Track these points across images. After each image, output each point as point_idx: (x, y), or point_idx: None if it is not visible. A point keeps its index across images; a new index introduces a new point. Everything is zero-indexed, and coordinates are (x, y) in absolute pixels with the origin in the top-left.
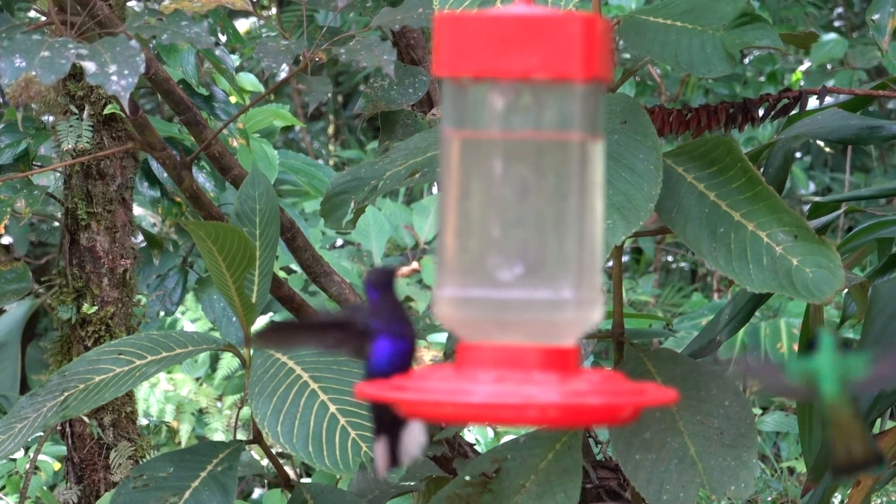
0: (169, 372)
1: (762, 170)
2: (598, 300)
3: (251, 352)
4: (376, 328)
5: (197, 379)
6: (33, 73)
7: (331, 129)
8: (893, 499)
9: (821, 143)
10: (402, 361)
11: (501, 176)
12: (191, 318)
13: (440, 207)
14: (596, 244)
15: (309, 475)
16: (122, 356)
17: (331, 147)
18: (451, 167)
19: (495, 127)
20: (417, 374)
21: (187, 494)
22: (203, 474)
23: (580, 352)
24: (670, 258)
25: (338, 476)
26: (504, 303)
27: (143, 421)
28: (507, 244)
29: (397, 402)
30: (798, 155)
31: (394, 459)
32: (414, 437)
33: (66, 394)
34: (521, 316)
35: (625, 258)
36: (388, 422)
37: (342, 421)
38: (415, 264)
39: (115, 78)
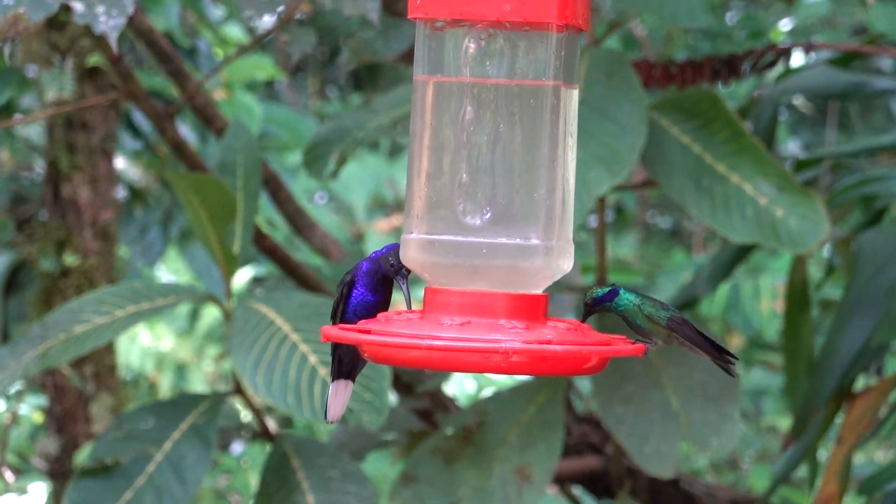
0: (150, 326)
1: (752, 127)
2: (567, 249)
3: (233, 303)
4: (356, 280)
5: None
6: (21, 9)
7: (314, 85)
8: (874, 457)
9: (797, 104)
10: (368, 313)
11: (472, 122)
12: (170, 272)
13: (410, 152)
14: (569, 193)
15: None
16: (103, 306)
17: (312, 103)
18: (422, 112)
19: (467, 72)
20: (383, 317)
21: (168, 446)
22: (184, 426)
23: (548, 300)
24: (652, 217)
25: (315, 428)
26: (471, 247)
27: (124, 375)
28: (476, 190)
29: (361, 343)
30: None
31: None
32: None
33: (47, 343)
34: (488, 261)
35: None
36: (347, 369)
37: (322, 372)
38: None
39: (103, 18)
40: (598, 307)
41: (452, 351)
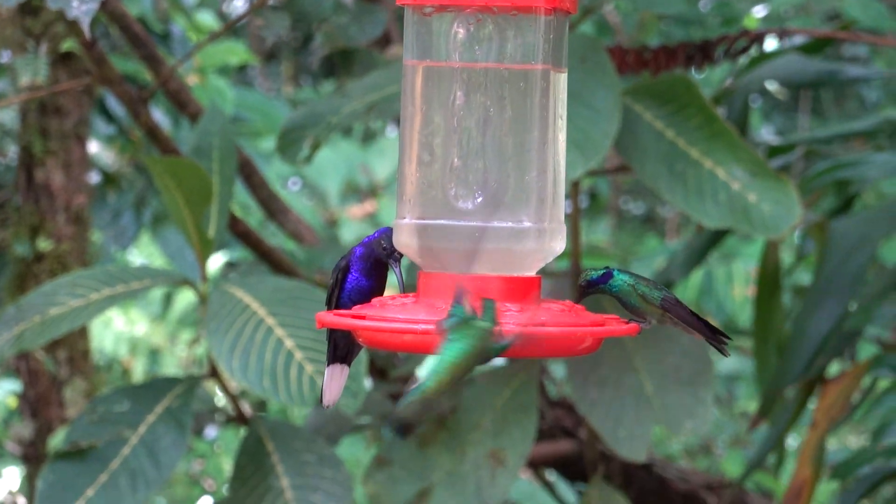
0: (123, 311)
1: (726, 114)
2: (559, 231)
3: (208, 287)
4: (351, 265)
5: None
6: None
7: (287, 71)
8: (847, 442)
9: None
10: (363, 298)
11: (462, 107)
12: (143, 256)
13: (401, 138)
14: (559, 175)
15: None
16: (78, 289)
17: (286, 89)
18: (412, 98)
19: (456, 57)
20: (378, 303)
21: (142, 429)
22: (159, 409)
23: (540, 281)
24: (625, 203)
25: (288, 411)
26: (464, 231)
27: (97, 360)
28: (468, 174)
29: (356, 329)
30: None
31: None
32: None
33: (22, 326)
34: (480, 245)
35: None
36: (343, 353)
37: (298, 356)
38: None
39: (75, 3)
40: (592, 289)
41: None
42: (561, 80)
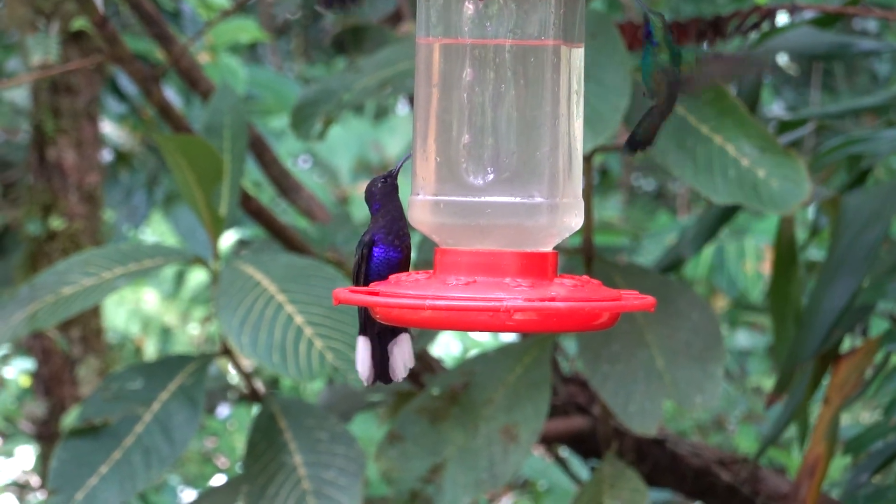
0: (135, 290)
1: (736, 88)
2: (575, 206)
3: (220, 265)
4: (375, 237)
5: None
6: None
7: (298, 48)
8: (860, 418)
9: (783, 65)
10: (392, 271)
11: (473, 83)
12: (155, 235)
13: (413, 114)
14: (575, 151)
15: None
16: (91, 268)
17: (296, 67)
18: (424, 75)
19: (467, 33)
20: (394, 279)
21: (156, 406)
22: (172, 386)
23: (557, 257)
24: (636, 180)
25: (301, 389)
26: (476, 207)
27: (110, 338)
28: (479, 150)
29: (369, 305)
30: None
31: (383, 372)
32: (403, 354)
33: (35, 305)
34: (493, 221)
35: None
36: (375, 330)
37: (308, 332)
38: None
39: None
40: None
41: (455, 310)
42: (576, 55)
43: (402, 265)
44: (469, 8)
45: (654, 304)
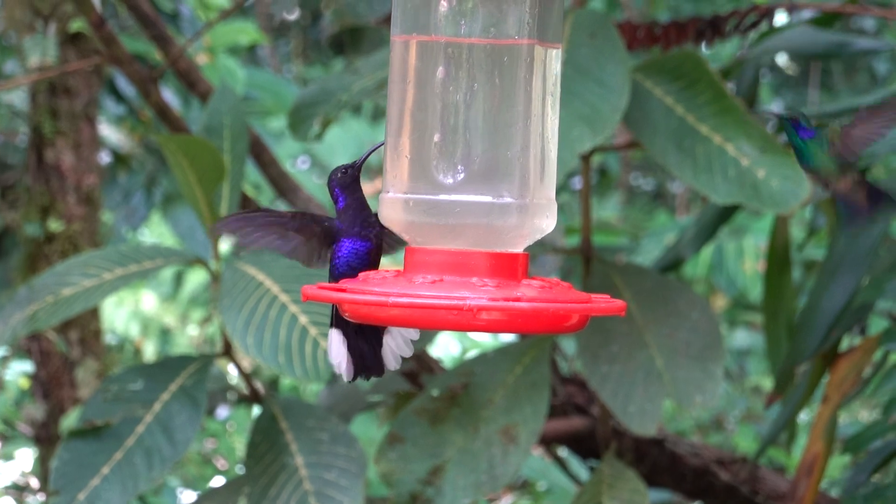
0: (134, 292)
1: (735, 87)
2: (547, 208)
3: (220, 265)
4: (339, 228)
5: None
6: None
7: (297, 49)
8: (859, 416)
9: (781, 65)
10: (363, 263)
11: (445, 81)
12: (154, 236)
13: (387, 111)
14: (549, 152)
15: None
16: (90, 269)
17: (295, 68)
18: (398, 72)
19: (440, 31)
20: (362, 276)
21: (157, 407)
22: (173, 387)
23: (528, 258)
24: (635, 179)
25: (300, 389)
26: (445, 206)
27: (109, 340)
28: (450, 148)
29: (336, 301)
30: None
31: (367, 366)
32: (395, 347)
33: (34, 306)
34: (463, 220)
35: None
36: (355, 326)
37: (313, 332)
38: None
39: None
40: (788, 129)
41: (419, 308)
42: (552, 56)
43: (372, 254)
44: (443, 5)
45: (623, 309)
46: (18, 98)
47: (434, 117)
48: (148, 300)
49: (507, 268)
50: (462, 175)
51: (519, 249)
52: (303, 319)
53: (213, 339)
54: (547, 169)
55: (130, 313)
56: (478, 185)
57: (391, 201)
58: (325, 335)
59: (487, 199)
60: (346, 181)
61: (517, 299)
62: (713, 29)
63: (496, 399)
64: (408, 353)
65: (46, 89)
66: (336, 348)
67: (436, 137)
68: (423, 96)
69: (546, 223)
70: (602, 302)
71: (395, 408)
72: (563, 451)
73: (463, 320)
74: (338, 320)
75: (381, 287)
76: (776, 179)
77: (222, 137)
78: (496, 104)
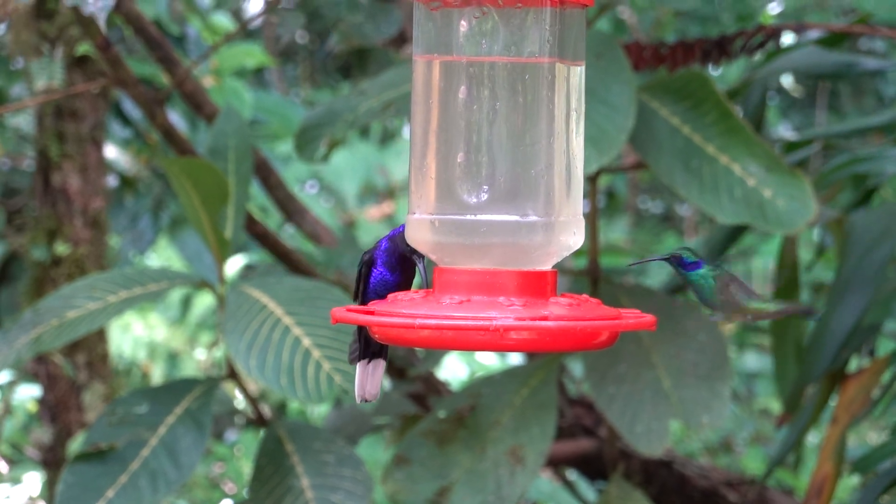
0: (142, 316)
1: (742, 108)
2: (573, 225)
3: (226, 288)
4: (375, 257)
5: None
6: None
7: (304, 72)
8: (867, 439)
9: (788, 87)
10: (389, 291)
11: (468, 101)
12: (161, 260)
13: (411, 132)
14: (574, 169)
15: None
16: (96, 292)
17: (303, 92)
18: (420, 92)
19: (463, 51)
20: (391, 298)
21: (162, 430)
22: (178, 410)
23: (556, 276)
24: (643, 203)
25: (308, 413)
26: (471, 226)
27: (116, 364)
28: (475, 168)
29: (365, 324)
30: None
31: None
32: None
33: (39, 329)
34: (489, 239)
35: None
36: (377, 347)
37: (316, 354)
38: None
39: (91, 0)
40: (677, 269)
41: (445, 329)
42: (575, 74)
43: (399, 287)
44: (464, 25)
45: (653, 323)
46: (25, 122)
47: (458, 137)
48: (156, 325)
49: (535, 286)
50: (487, 194)
51: (547, 267)
52: (306, 342)
53: (221, 363)
54: (573, 186)
55: (137, 338)
56: (503, 204)
57: (417, 222)
58: (328, 357)
59: (513, 217)
60: (404, 245)
61: (544, 318)
62: (720, 49)
63: (503, 420)
64: (375, 391)
65: (53, 113)
66: (376, 379)
67: (460, 157)
68: (446, 116)
69: (573, 240)
70: (631, 317)
71: (401, 430)
72: (571, 475)
73: (492, 340)
74: (370, 350)
75: (410, 309)
76: (782, 199)
77: (227, 159)
78: (519, 122)
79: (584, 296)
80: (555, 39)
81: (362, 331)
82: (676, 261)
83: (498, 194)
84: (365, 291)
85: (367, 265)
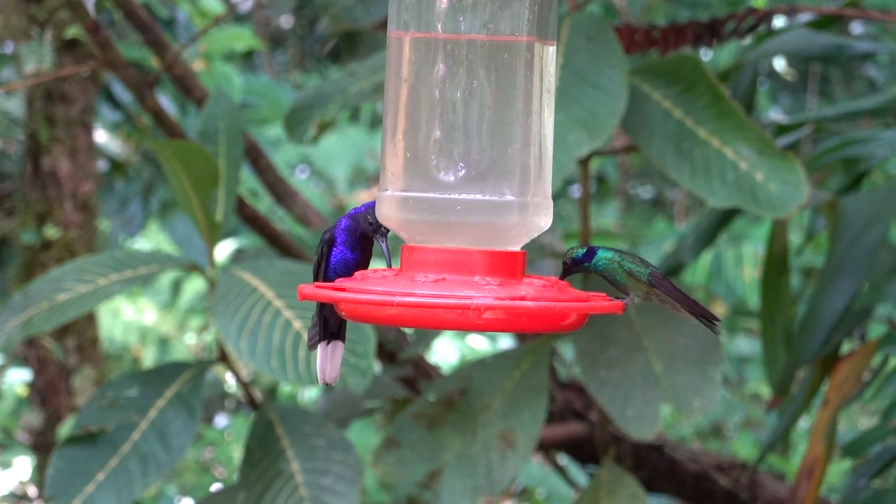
0: (132, 300)
1: (733, 90)
2: (544, 205)
3: (217, 271)
4: (335, 236)
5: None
6: None
7: (294, 58)
8: (858, 423)
9: (780, 71)
10: (349, 271)
11: (445, 78)
12: (151, 244)
13: (385, 109)
14: (546, 149)
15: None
16: (86, 275)
17: (292, 77)
18: (395, 69)
19: (439, 28)
20: (360, 275)
21: (153, 413)
22: (168, 394)
23: (525, 257)
24: (633, 188)
25: (298, 397)
26: (446, 204)
27: (106, 349)
28: (450, 146)
29: (335, 301)
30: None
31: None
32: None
33: (29, 312)
34: (463, 218)
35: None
36: (335, 329)
37: (306, 337)
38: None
39: None
40: (577, 268)
41: (424, 307)
42: (549, 53)
43: (358, 266)
44: (441, 2)
45: (622, 307)
46: (15, 106)
47: (433, 115)
48: (145, 309)
49: (506, 266)
50: (462, 173)
51: (517, 248)
52: (296, 325)
53: (211, 346)
54: (545, 167)
55: (128, 323)
56: (479, 184)
57: (389, 199)
58: None
59: (488, 197)
60: (366, 224)
61: (522, 298)
62: (711, 32)
63: (494, 404)
64: (335, 374)
65: (42, 96)
66: (335, 361)
67: (436, 135)
68: (421, 93)
69: (544, 221)
70: (601, 300)
71: (392, 414)
72: (562, 459)
73: (466, 319)
74: (328, 332)
75: (383, 286)
76: (774, 183)
77: (217, 142)
78: (497, 101)
79: (553, 277)
80: (534, 18)
81: (322, 311)
82: (574, 262)
83: (473, 173)
84: (326, 270)
85: (328, 244)
